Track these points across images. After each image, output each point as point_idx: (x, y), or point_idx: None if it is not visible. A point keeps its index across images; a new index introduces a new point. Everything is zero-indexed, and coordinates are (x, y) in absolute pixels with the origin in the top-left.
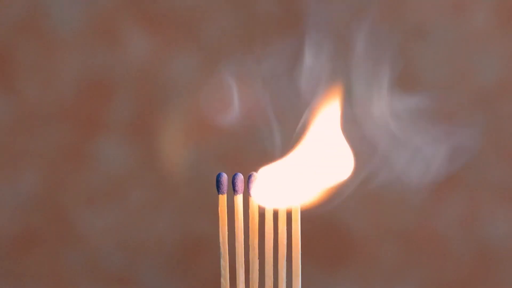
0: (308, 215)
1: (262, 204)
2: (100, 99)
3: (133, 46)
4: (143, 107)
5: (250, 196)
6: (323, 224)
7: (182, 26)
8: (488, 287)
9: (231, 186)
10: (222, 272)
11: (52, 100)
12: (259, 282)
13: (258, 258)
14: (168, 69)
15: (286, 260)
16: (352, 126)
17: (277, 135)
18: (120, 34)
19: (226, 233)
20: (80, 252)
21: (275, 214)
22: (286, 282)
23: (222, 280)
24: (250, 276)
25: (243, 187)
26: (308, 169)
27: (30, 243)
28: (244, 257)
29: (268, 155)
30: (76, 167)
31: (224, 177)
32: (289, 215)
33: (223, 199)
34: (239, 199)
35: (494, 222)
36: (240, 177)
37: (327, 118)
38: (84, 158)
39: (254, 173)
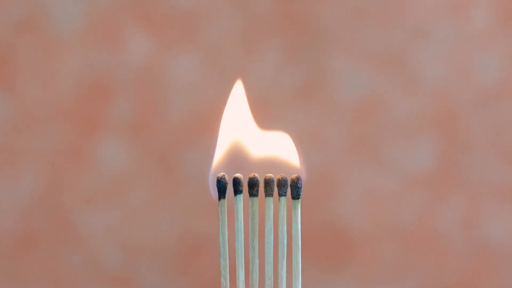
0: (308, 215)
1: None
2: (100, 99)
3: (133, 46)
4: (143, 107)
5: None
6: (323, 224)
7: (182, 26)
8: (488, 287)
9: (232, 186)
10: (222, 272)
11: (52, 100)
12: (259, 282)
13: (258, 258)
14: (168, 69)
15: (286, 260)
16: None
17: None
18: (120, 34)
19: (226, 233)
20: (80, 252)
21: (275, 214)
22: (286, 282)
23: (222, 280)
24: (250, 276)
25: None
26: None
27: (30, 243)
28: (244, 257)
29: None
30: (76, 167)
31: (225, 179)
32: (289, 215)
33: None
34: (239, 199)
35: (494, 222)
36: (240, 178)
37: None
38: (84, 158)
39: (255, 174)
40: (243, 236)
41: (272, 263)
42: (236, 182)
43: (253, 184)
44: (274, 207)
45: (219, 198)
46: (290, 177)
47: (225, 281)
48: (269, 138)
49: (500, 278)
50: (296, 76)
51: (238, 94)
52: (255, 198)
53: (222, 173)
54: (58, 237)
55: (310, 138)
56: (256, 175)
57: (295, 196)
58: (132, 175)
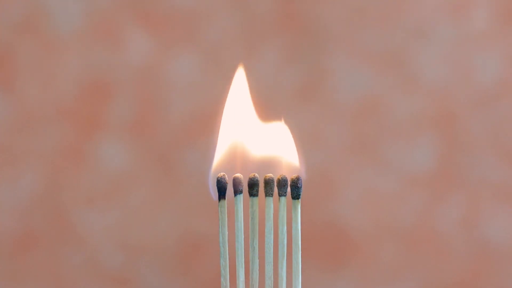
0: (308, 215)
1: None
2: (100, 99)
3: (133, 46)
4: (143, 107)
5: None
6: (323, 224)
7: (182, 26)
8: (488, 287)
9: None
10: (222, 272)
11: (52, 100)
12: (259, 282)
13: (258, 258)
14: (168, 69)
15: (286, 260)
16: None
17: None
18: (120, 34)
19: (226, 233)
20: (80, 252)
21: (275, 214)
22: (286, 282)
23: (222, 280)
24: (250, 276)
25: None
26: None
27: (30, 243)
28: (244, 257)
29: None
30: (76, 167)
31: (225, 179)
32: (289, 215)
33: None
34: (239, 199)
35: (494, 222)
36: (240, 178)
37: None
38: (84, 158)
39: (255, 174)
40: (243, 236)
41: (272, 263)
42: (236, 182)
43: (253, 184)
44: (274, 207)
45: (219, 198)
46: (290, 177)
47: (225, 281)
48: (269, 135)
49: (500, 278)
50: (296, 76)
51: (239, 82)
52: (255, 198)
53: (222, 173)
54: (58, 237)
55: (311, 138)
56: (256, 175)
57: (295, 196)
58: (132, 175)
